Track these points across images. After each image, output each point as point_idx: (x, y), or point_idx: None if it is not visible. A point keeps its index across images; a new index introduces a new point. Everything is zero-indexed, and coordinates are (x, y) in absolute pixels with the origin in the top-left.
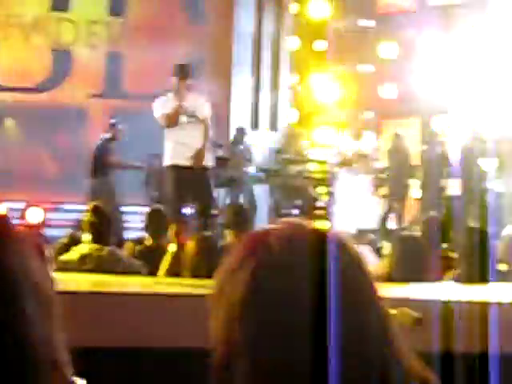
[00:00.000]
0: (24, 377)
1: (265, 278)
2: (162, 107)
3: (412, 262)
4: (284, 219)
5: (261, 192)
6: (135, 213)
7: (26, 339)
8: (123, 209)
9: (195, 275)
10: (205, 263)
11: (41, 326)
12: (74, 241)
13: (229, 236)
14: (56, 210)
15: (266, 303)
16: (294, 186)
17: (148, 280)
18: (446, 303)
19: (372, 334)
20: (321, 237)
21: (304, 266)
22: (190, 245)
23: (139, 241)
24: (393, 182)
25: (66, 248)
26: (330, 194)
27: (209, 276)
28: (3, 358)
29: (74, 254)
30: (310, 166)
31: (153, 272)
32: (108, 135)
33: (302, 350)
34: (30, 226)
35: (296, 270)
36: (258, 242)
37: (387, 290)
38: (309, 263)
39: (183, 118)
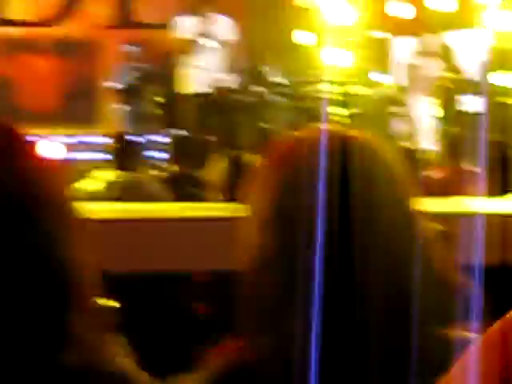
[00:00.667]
0: (51, 297)
1: (293, 189)
2: (182, 29)
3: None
4: (312, 125)
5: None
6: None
7: (52, 260)
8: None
9: (225, 195)
10: (233, 182)
11: (66, 247)
12: (94, 170)
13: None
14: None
15: (295, 212)
16: (307, 108)
17: (174, 206)
18: (471, 216)
19: (397, 235)
20: (349, 141)
21: (332, 171)
22: (218, 165)
23: (161, 168)
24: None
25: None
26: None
27: (235, 197)
28: (30, 280)
29: (98, 182)
30: (328, 87)
31: (178, 199)
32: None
33: (332, 255)
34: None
35: (324, 175)
36: (287, 152)
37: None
38: (337, 168)
39: (204, 42)
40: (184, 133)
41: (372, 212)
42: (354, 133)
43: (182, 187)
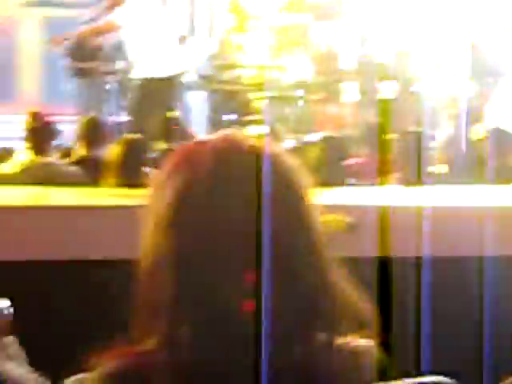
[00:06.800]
0: None
1: (195, 193)
2: None
3: (335, 164)
4: (219, 131)
5: (197, 99)
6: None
7: None
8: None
9: (120, 181)
10: (132, 168)
11: None
12: (8, 153)
13: (159, 146)
14: None
15: (192, 218)
16: (230, 92)
17: (87, 191)
18: (380, 207)
19: (301, 260)
20: (254, 151)
21: (235, 182)
22: (116, 149)
23: (68, 151)
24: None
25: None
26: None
27: (134, 182)
28: None
29: (9, 166)
30: (247, 71)
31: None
32: None
33: (230, 267)
34: None
35: (226, 186)
36: (189, 154)
37: (320, 196)
38: (240, 179)
39: None
40: (94, 115)
41: (271, 218)
42: (256, 142)
43: (91, 171)
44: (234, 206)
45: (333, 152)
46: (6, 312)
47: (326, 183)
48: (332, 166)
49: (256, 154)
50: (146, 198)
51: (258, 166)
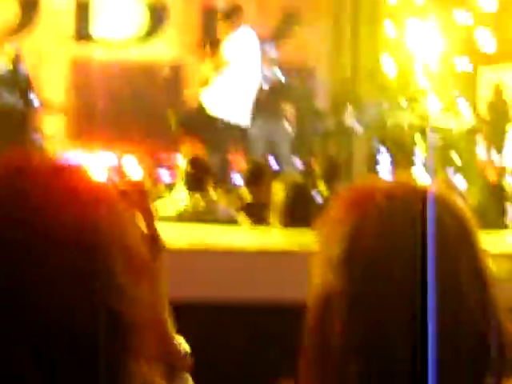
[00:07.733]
0: (112, 339)
1: (367, 234)
2: None
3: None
4: (390, 177)
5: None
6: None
7: (116, 304)
8: None
9: (286, 223)
10: (296, 212)
11: (131, 289)
12: (168, 188)
13: (322, 188)
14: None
15: (365, 260)
16: (393, 138)
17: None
18: None
19: (469, 307)
20: (426, 197)
21: (409, 227)
22: (278, 188)
23: (237, 193)
24: (492, 135)
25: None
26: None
27: (299, 225)
28: (93, 323)
29: (169, 202)
30: (412, 118)
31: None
32: None
33: (400, 309)
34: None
35: (400, 230)
36: (363, 196)
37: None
38: (414, 225)
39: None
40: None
41: (447, 265)
42: (427, 185)
43: (256, 214)
44: (403, 249)
45: (494, 198)
46: (187, 353)
47: (487, 228)
48: (493, 211)
49: (426, 199)
50: (316, 240)
51: (429, 211)
